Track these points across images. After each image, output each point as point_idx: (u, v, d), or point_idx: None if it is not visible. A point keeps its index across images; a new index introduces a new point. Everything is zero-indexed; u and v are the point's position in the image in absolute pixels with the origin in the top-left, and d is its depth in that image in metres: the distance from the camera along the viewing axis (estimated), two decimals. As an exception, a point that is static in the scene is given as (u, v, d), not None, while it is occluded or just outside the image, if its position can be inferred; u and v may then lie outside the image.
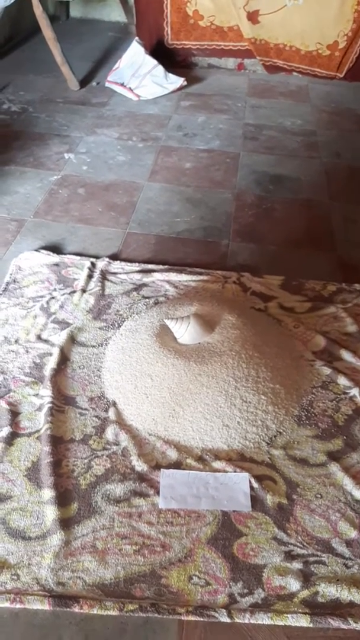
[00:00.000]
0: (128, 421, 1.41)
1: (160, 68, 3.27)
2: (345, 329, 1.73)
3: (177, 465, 1.32)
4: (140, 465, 1.31)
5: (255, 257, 2.07)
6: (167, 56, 3.51)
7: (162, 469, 1.31)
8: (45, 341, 1.64)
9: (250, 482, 1.29)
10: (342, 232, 2.22)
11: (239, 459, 1.34)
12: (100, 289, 1.84)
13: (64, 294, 1.81)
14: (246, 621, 1.06)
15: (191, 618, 1.06)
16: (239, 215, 2.30)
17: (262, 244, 2.14)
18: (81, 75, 3.44)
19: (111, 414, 1.43)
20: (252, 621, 1.06)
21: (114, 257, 2.01)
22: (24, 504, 1.23)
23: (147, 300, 1.80)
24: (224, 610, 1.07)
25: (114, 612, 1.07)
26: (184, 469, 1.31)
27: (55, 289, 1.83)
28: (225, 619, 1.06)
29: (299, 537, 1.20)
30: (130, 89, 3.25)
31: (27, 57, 3.74)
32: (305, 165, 2.67)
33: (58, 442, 1.36)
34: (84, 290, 1.83)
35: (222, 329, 1.51)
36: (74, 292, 1.82)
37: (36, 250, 2.00)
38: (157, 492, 1.26)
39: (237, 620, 1.06)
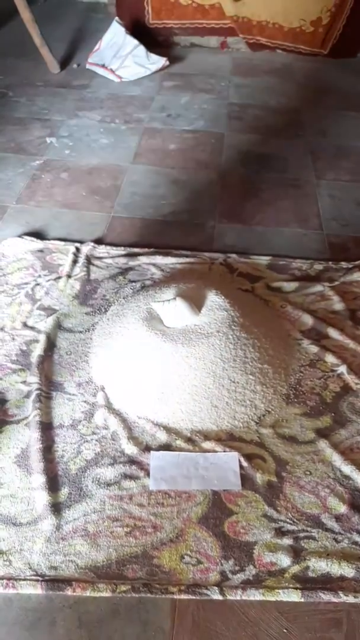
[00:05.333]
0: (117, 405, 1.41)
1: (142, 48, 3.22)
2: (332, 307, 1.73)
3: (166, 447, 1.33)
4: (130, 448, 1.31)
5: (241, 238, 2.06)
6: (148, 36, 3.45)
7: (151, 451, 1.31)
8: (32, 328, 1.62)
9: (239, 461, 1.29)
10: (328, 210, 2.21)
11: (228, 439, 1.35)
12: (86, 274, 1.82)
13: (49, 280, 1.79)
14: (238, 598, 1.07)
15: (183, 597, 1.07)
16: (224, 196, 2.29)
17: (248, 225, 2.13)
18: (61, 57, 3.38)
19: (99, 398, 1.42)
20: (244, 597, 1.07)
21: (99, 241, 1.99)
22: (14, 490, 1.23)
23: (133, 284, 1.79)
24: (216, 588, 1.08)
25: (106, 594, 1.07)
26: (173, 450, 1.32)
27: (40, 276, 1.81)
28: (217, 596, 1.07)
29: (289, 514, 1.21)
30: (112, 71, 3.20)
31: (5, 40, 3.66)
32: (291, 144, 2.65)
33: (47, 428, 1.36)
34: (69, 276, 1.81)
35: (209, 310, 1.50)
36: (59, 278, 1.80)
37: (19, 236, 1.98)
38: (148, 474, 1.27)
39: (229, 597, 1.07)
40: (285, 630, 1.04)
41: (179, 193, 2.29)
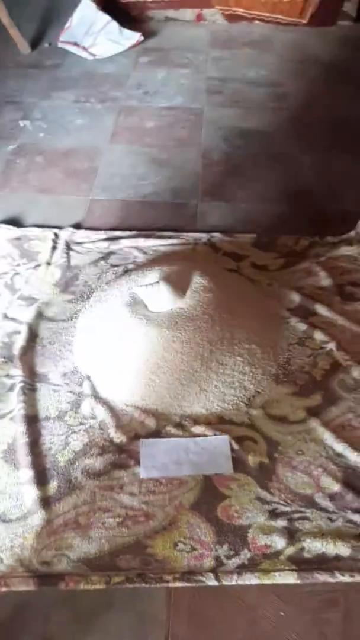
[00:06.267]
0: (103, 394, 1.38)
1: (114, 24, 3.12)
2: (320, 283, 1.70)
3: (156, 433, 1.30)
4: (118, 437, 1.29)
5: (225, 217, 2.01)
6: (121, 11, 3.33)
7: (141, 439, 1.28)
8: (12, 319, 1.58)
9: (230, 444, 1.27)
10: (312, 185, 2.17)
11: (218, 422, 1.33)
12: (66, 260, 1.78)
13: (28, 269, 1.75)
14: (234, 583, 1.06)
15: (178, 584, 1.06)
16: (207, 174, 2.23)
17: (232, 203, 2.08)
18: (31, 37, 3.27)
19: (86, 387, 1.39)
20: (239, 582, 1.06)
21: (78, 226, 1.94)
22: (2, 486, 1.21)
23: (115, 268, 1.75)
24: (211, 574, 1.07)
25: (100, 586, 1.05)
26: (163, 437, 1.29)
27: (18, 264, 1.76)
28: (212, 582, 1.06)
29: (282, 495, 1.19)
30: (85, 48, 3.10)
31: (-27, 20, 3.53)
32: (274, 118, 2.59)
33: (33, 421, 1.33)
34: (48, 263, 1.76)
35: (194, 292, 1.46)
36: (39, 265, 1.76)
37: (-5, 224, 1.92)
38: (138, 463, 1.24)
39: (224, 582, 1.06)
40: (282, 613, 1.03)
41: (159, 172, 2.24)
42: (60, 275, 1.73)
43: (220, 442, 1.27)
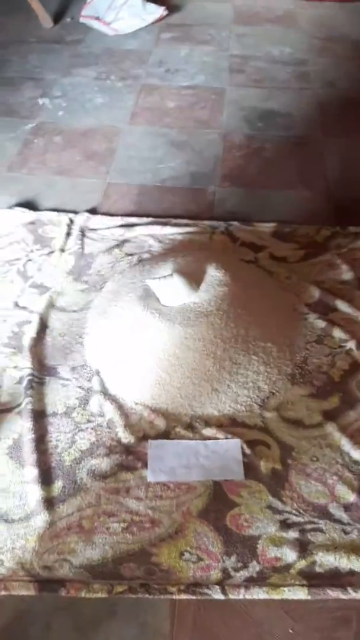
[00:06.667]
0: (113, 390, 1.33)
1: (138, -3, 3.01)
2: (341, 276, 1.62)
3: (165, 434, 1.25)
4: (126, 437, 1.24)
5: (244, 203, 1.93)
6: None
7: (149, 440, 1.24)
8: (24, 308, 1.54)
9: (242, 448, 1.22)
10: (336, 170, 2.07)
11: (230, 424, 1.27)
12: (80, 247, 1.72)
13: (41, 255, 1.70)
14: (241, 597, 1.01)
15: (183, 597, 1.02)
16: (227, 158, 2.15)
17: (251, 188, 2.00)
18: (54, 10, 3.17)
19: (95, 383, 1.35)
20: (247, 597, 1.01)
21: (94, 210, 1.89)
22: (6, 484, 1.17)
23: (130, 257, 1.69)
24: (218, 587, 1.02)
25: (102, 595, 1.02)
26: (173, 438, 1.25)
27: (32, 250, 1.72)
28: (219, 596, 1.02)
29: (295, 504, 1.14)
30: (107, 23, 3.00)
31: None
32: (297, 98, 2.48)
33: (40, 417, 1.29)
34: (62, 250, 1.71)
35: (209, 286, 1.40)
36: (52, 252, 1.71)
37: (10, 207, 1.87)
38: (145, 465, 1.20)
39: (231, 596, 1.01)
40: (291, 631, 0.99)
41: (178, 155, 2.16)
42: (73, 262, 1.68)
43: (232, 446, 1.22)
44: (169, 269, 1.43)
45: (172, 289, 1.38)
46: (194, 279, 1.42)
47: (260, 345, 1.35)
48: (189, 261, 1.48)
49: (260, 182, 2.02)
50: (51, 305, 1.55)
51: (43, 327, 1.49)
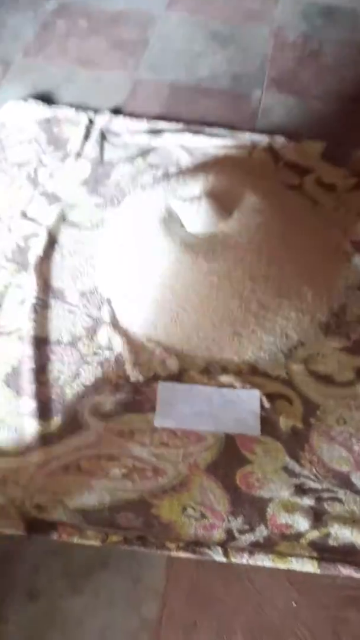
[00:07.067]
0: (124, 323, 1.21)
1: None
2: (395, 213, 1.42)
3: (177, 377, 1.14)
4: (135, 376, 1.13)
5: (293, 116, 1.70)
6: None
7: (159, 381, 1.13)
8: (32, 220, 1.38)
9: (261, 400, 1.10)
10: None
11: (250, 373, 1.15)
12: (99, 153, 1.53)
13: (54, 159, 1.51)
14: (244, 562, 0.94)
15: (181, 554, 0.94)
16: (277, 58, 1.87)
17: (303, 98, 1.75)
18: None
19: (104, 313, 1.22)
20: (250, 562, 0.94)
21: (118, 111, 1.67)
22: (1, 415, 1.09)
23: (154, 169, 1.50)
24: (220, 548, 0.95)
25: (95, 543, 0.95)
26: (185, 382, 1.13)
27: (44, 152, 1.53)
28: (220, 557, 0.94)
29: (314, 469, 1.04)
30: None
31: None
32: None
33: (42, 344, 1.18)
34: (79, 155, 1.52)
35: (242, 213, 1.22)
36: (67, 156, 1.52)
37: (24, 99, 1.66)
38: (153, 408, 1.10)
39: (233, 560, 0.94)
40: (294, 604, 0.92)
41: (220, 51, 1.89)
42: (90, 171, 1.49)
43: (250, 397, 1.11)
44: (198, 189, 1.25)
45: (199, 213, 1.20)
46: (226, 202, 1.24)
47: (294, 288, 1.19)
48: (221, 181, 1.29)
49: (314, 92, 1.76)
50: (62, 218, 1.39)
51: (52, 243, 1.35)
